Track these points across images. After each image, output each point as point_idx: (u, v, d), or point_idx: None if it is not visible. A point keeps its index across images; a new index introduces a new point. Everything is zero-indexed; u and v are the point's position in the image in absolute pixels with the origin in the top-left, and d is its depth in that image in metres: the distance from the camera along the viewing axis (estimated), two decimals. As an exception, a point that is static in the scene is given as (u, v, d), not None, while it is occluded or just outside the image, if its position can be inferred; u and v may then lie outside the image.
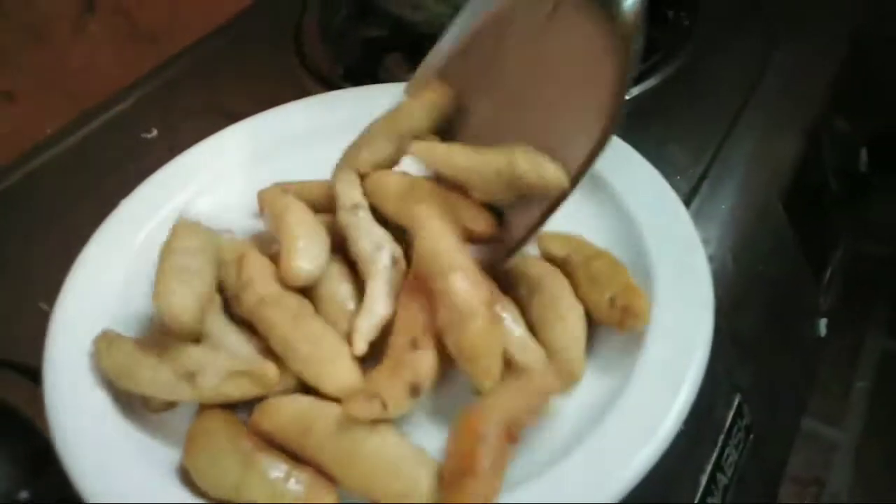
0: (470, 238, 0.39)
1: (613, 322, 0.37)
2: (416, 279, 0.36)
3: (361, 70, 0.63)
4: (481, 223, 0.40)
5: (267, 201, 0.44)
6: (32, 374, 0.42)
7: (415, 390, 0.34)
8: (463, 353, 0.35)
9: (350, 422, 0.33)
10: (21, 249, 0.53)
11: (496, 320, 0.36)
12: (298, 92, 0.56)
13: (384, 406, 0.33)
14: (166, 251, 0.39)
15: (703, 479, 0.42)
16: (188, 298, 0.36)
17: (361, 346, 0.36)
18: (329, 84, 0.62)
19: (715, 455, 0.42)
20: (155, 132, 0.61)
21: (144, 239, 0.45)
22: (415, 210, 0.38)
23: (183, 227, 0.42)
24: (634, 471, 0.32)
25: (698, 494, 0.41)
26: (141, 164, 0.51)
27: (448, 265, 0.36)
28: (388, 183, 0.41)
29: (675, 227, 0.42)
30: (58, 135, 0.64)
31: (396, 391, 0.33)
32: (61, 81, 0.68)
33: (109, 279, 0.42)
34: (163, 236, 0.44)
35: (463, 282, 0.35)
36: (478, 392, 0.35)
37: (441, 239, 0.36)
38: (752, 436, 0.46)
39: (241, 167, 0.51)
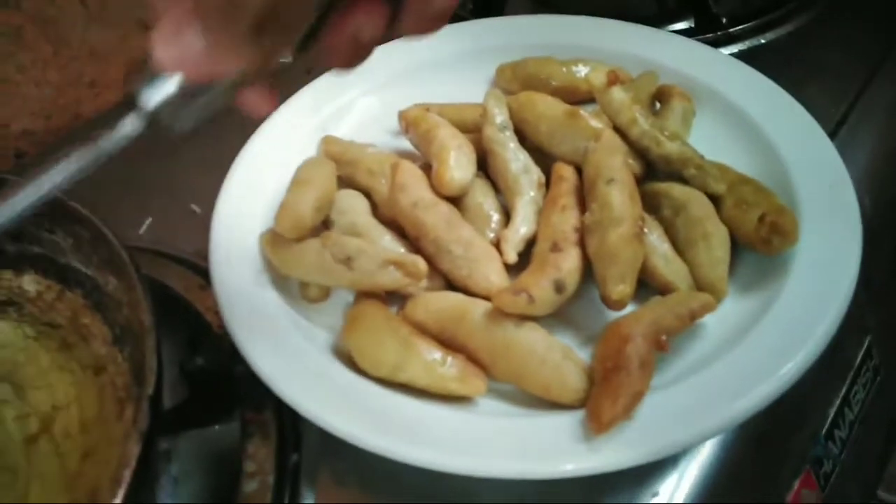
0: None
1: (761, 242, 0.37)
2: (578, 185, 0.39)
3: (488, 6, 0.63)
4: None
5: (412, 120, 0.45)
6: (191, 266, 0.46)
7: (559, 287, 0.36)
8: (603, 255, 0.36)
9: (501, 315, 0.35)
10: (167, 159, 0.56)
11: (640, 235, 0.37)
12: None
13: (531, 300, 0.34)
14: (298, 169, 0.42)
15: (832, 412, 0.42)
16: (304, 207, 0.39)
17: (513, 256, 0.38)
18: (456, 17, 0.63)
19: (844, 391, 0.43)
20: (290, 57, 0.63)
21: (291, 149, 0.47)
22: (589, 123, 0.40)
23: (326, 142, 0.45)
24: (771, 387, 0.33)
25: (826, 425, 0.41)
26: (279, 86, 0.53)
27: (613, 176, 0.38)
28: (539, 103, 0.42)
29: (823, 161, 0.41)
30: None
31: (543, 287, 0.35)
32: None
33: (263, 183, 0.45)
34: (307, 147, 0.47)
35: (621, 193, 0.37)
36: (611, 305, 0.36)
37: (613, 152, 0.38)
38: (879, 377, 0.46)
39: (377, 90, 0.52)
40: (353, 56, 0.24)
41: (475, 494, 0.34)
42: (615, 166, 0.38)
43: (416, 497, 0.34)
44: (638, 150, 0.41)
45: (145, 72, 0.23)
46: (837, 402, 0.42)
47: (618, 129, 0.41)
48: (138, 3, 0.68)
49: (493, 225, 0.41)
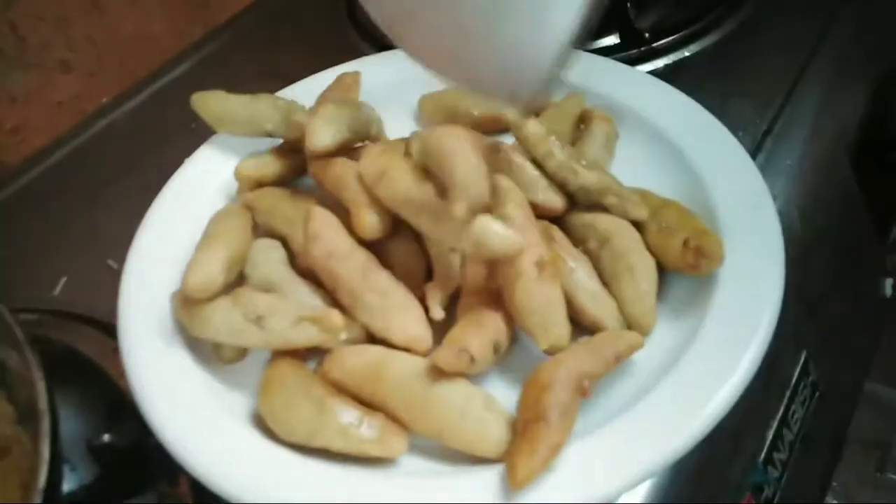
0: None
1: (687, 266, 0.37)
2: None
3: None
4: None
5: (322, 167, 0.43)
6: (104, 327, 0.44)
7: (497, 348, 0.35)
8: (515, 311, 0.36)
9: (422, 370, 0.34)
10: (86, 211, 0.55)
11: (549, 277, 0.36)
12: (353, 54, 0.56)
13: (472, 360, 0.33)
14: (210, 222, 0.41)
15: (770, 434, 0.41)
16: (213, 267, 0.37)
17: (439, 313, 0.37)
18: (383, 46, 0.62)
19: (781, 411, 0.42)
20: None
21: (209, 196, 0.46)
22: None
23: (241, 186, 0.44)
24: (704, 420, 0.32)
25: (765, 449, 0.41)
26: (200, 127, 0.52)
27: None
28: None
29: (743, 179, 0.41)
30: (117, 101, 0.66)
31: (483, 347, 0.34)
32: (115, 51, 0.69)
33: (177, 236, 0.43)
34: (223, 195, 0.46)
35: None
36: (548, 353, 0.35)
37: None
38: (817, 393, 0.45)
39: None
40: None
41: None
42: (506, 214, 0.37)
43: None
44: (557, 182, 0.40)
45: None
46: (775, 423, 0.42)
47: (535, 162, 0.40)
48: (60, 43, 0.66)
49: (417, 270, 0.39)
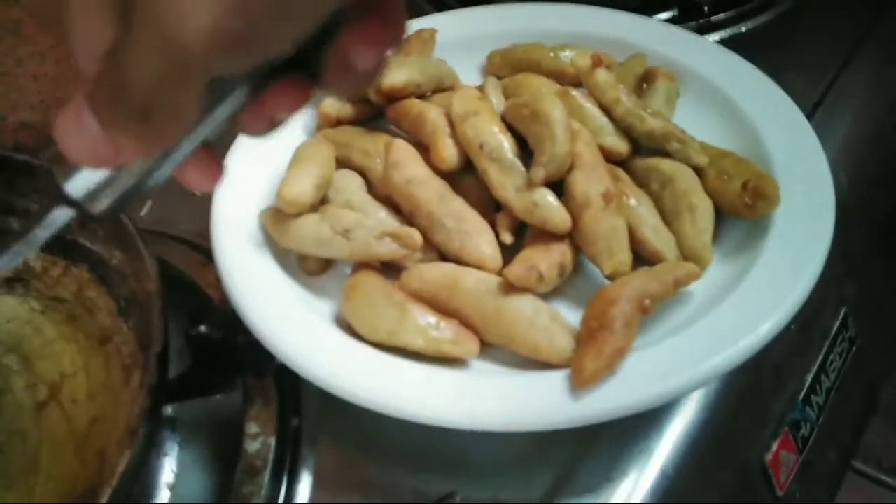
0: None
1: (744, 207, 0.39)
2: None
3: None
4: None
5: (402, 107, 0.47)
6: (191, 244, 0.47)
7: (562, 271, 0.38)
8: (581, 238, 0.38)
9: (493, 283, 0.37)
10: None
11: (614, 209, 0.39)
12: (414, 12, 0.59)
13: (540, 278, 0.36)
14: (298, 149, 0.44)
15: (809, 378, 0.44)
16: (305, 184, 0.40)
17: (509, 237, 0.40)
18: (442, 6, 0.64)
19: (821, 357, 0.44)
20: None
21: (290, 132, 0.49)
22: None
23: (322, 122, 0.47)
24: (750, 343, 0.34)
25: (804, 390, 0.43)
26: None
27: (573, 163, 0.39)
28: (534, 81, 0.45)
29: (797, 135, 0.43)
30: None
31: (550, 267, 0.37)
32: None
33: (263, 163, 0.46)
34: (302, 129, 0.49)
35: (584, 176, 0.39)
36: (610, 278, 0.38)
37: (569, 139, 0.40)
38: (854, 348, 0.47)
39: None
40: (269, 131, 0.24)
41: (468, 452, 0.36)
42: (576, 152, 0.40)
43: (410, 456, 0.36)
44: (623, 128, 0.43)
45: (64, 161, 0.21)
46: (814, 369, 0.44)
47: (603, 108, 0.43)
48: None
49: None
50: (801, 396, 0.43)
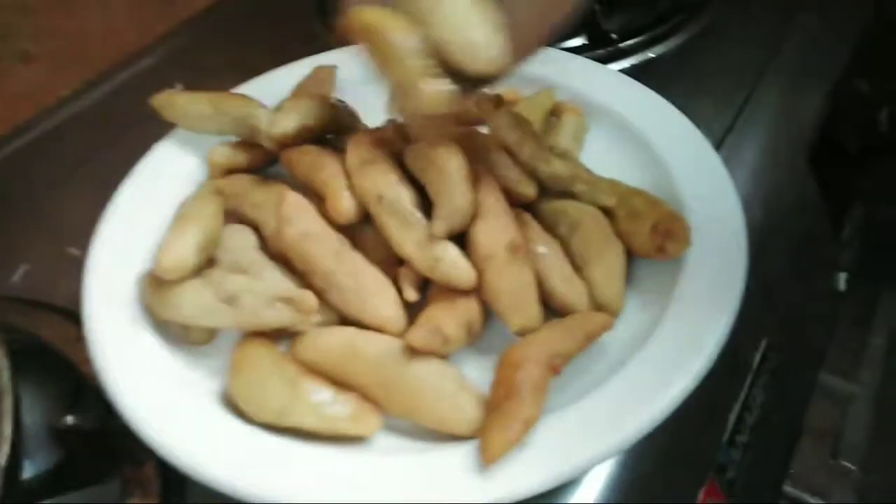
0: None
1: (655, 250, 0.37)
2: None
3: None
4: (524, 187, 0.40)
5: (294, 155, 0.43)
6: (65, 314, 0.43)
7: (470, 329, 0.35)
8: (487, 293, 0.36)
9: (395, 349, 0.34)
10: (45, 200, 0.53)
11: (521, 260, 0.36)
12: (319, 48, 0.56)
13: (446, 340, 0.33)
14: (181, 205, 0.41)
15: (732, 418, 0.42)
16: (186, 247, 0.37)
17: (413, 294, 0.37)
18: (349, 41, 0.62)
19: (743, 395, 0.43)
20: (180, 87, 0.61)
21: (176, 183, 0.45)
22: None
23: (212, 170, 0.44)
24: (670, 398, 0.33)
25: (727, 431, 0.42)
26: (163, 119, 0.51)
27: (477, 212, 0.37)
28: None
29: (707, 170, 0.42)
30: (78, 92, 0.64)
31: (456, 327, 0.34)
32: (78, 44, 0.68)
33: (143, 221, 0.42)
34: (190, 182, 0.45)
35: (485, 226, 0.37)
36: (519, 334, 0.35)
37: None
38: (776, 380, 0.46)
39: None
40: None
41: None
42: (479, 200, 0.37)
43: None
44: (529, 171, 0.41)
45: None
46: (737, 407, 0.43)
47: (507, 151, 0.41)
48: (24, 34, 0.64)
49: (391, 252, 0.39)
50: (725, 439, 0.42)
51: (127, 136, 0.55)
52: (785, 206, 0.52)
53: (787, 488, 0.52)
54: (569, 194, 0.40)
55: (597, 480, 0.35)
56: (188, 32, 0.71)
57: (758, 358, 0.45)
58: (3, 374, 0.30)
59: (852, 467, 0.57)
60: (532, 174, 0.41)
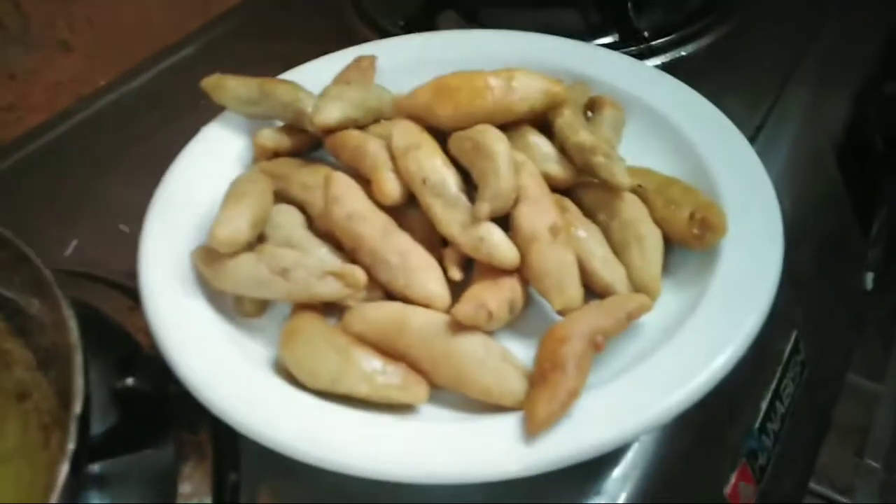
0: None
1: (692, 238, 0.39)
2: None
3: (419, 23, 0.64)
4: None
5: (340, 139, 0.45)
6: (118, 286, 0.44)
7: (513, 308, 0.36)
8: (530, 273, 0.37)
9: (441, 323, 0.35)
10: (94, 181, 0.55)
11: (562, 242, 0.37)
12: (355, 40, 0.58)
13: (490, 316, 0.34)
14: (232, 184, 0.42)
15: (764, 406, 0.43)
16: (240, 221, 0.38)
17: (458, 273, 0.38)
18: (384, 33, 0.63)
19: (774, 383, 0.44)
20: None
21: (224, 165, 0.46)
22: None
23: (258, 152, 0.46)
24: (705, 378, 0.34)
25: (759, 418, 0.42)
26: (207, 105, 0.52)
27: (519, 196, 0.38)
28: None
29: (742, 162, 0.43)
30: (121, 79, 0.66)
31: (500, 304, 0.35)
32: (115, 36, 0.70)
33: (194, 198, 0.44)
34: (237, 163, 0.47)
35: (529, 210, 0.38)
36: (561, 313, 0.36)
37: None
38: (806, 372, 0.47)
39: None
40: None
41: (418, 501, 0.34)
42: (521, 185, 0.39)
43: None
44: (562, 143, 0.42)
45: None
46: (769, 395, 0.44)
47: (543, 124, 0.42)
48: (63, 24, 0.66)
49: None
50: (757, 425, 0.42)
51: (168, 123, 0.57)
52: (814, 204, 0.53)
53: (813, 485, 0.53)
54: (589, 168, 0.41)
55: (635, 456, 0.36)
56: (224, 24, 0.72)
57: (788, 349, 0.46)
58: (73, 331, 0.32)
59: (877, 466, 0.57)
60: (563, 144, 0.42)
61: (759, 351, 0.37)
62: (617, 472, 0.35)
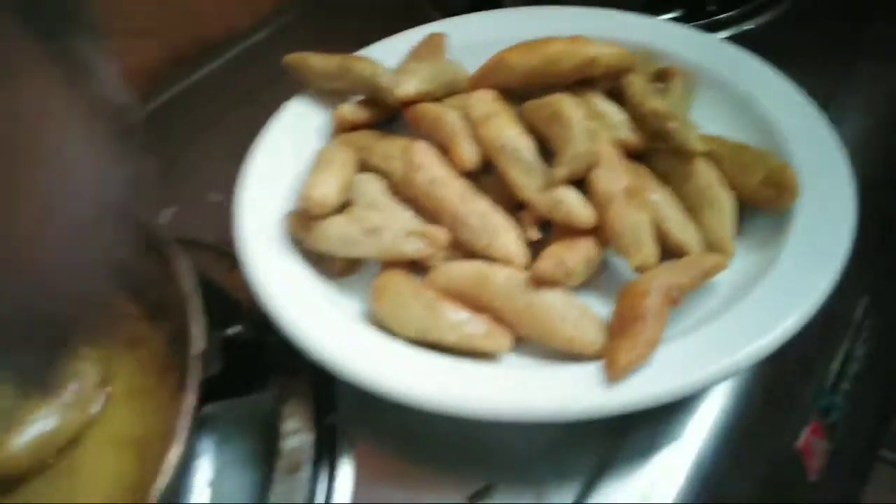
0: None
1: (766, 200, 0.40)
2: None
3: (484, 1, 0.66)
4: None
5: (419, 111, 0.47)
6: (216, 249, 0.48)
7: (589, 264, 0.38)
8: (608, 233, 0.39)
9: (522, 280, 0.37)
10: (183, 152, 0.58)
11: (639, 204, 0.39)
12: (422, 17, 0.59)
13: (569, 273, 0.36)
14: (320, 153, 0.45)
15: (836, 365, 0.44)
16: (330, 186, 0.41)
17: (535, 234, 0.40)
18: (450, 12, 0.65)
19: (846, 345, 0.45)
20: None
21: (306, 137, 0.49)
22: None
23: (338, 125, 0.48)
24: (779, 334, 0.35)
25: (831, 377, 0.43)
26: (283, 86, 0.54)
27: (594, 161, 0.40)
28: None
29: (815, 130, 0.44)
30: (198, 63, 0.70)
31: (578, 262, 0.37)
32: (187, 20, 0.73)
33: (281, 167, 0.47)
34: (319, 136, 0.49)
35: (603, 173, 0.40)
36: (637, 270, 0.38)
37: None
38: (877, 336, 0.48)
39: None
40: None
41: (504, 444, 0.36)
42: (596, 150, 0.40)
43: (447, 449, 0.36)
44: (634, 110, 0.43)
45: None
46: (840, 356, 0.44)
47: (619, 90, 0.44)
48: (136, 10, 0.69)
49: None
50: (829, 384, 0.43)
51: (246, 102, 0.61)
52: (882, 174, 0.53)
53: (885, 451, 0.53)
54: (662, 134, 0.42)
55: (711, 408, 0.37)
56: (293, 10, 0.75)
57: (860, 313, 0.46)
58: (190, 281, 0.35)
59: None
60: (636, 111, 0.43)
61: (830, 312, 0.38)
62: (691, 421, 0.37)
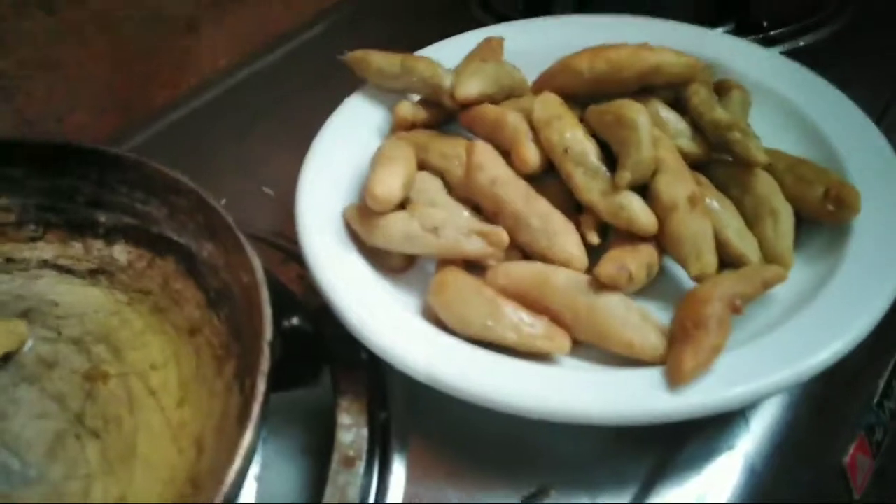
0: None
1: (825, 214, 0.40)
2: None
3: (536, 8, 0.66)
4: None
5: (478, 113, 0.48)
6: (269, 243, 0.48)
7: (650, 271, 0.39)
8: (668, 240, 0.39)
9: (583, 282, 0.38)
10: (235, 146, 0.59)
11: (701, 212, 0.39)
12: (473, 25, 0.60)
13: (630, 278, 0.37)
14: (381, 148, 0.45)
15: (882, 382, 0.44)
16: (393, 182, 0.41)
17: (595, 238, 0.41)
18: (501, 17, 0.66)
19: (893, 362, 0.45)
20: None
21: (363, 136, 0.50)
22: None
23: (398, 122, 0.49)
24: (834, 350, 0.35)
25: (877, 394, 0.43)
26: (335, 83, 0.55)
27: (657, 167, 0.40)
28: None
29: (871, 145, 0.44)
30: (252, 57, 0.70)
31: (639, 267, 0.38)
32: (239, 16, 0.74)
33: (340, 162, 0.47)
34: (377, 134, 0.50)
35: (669, 180, 0.40)
36: (696, 279, 0.38)
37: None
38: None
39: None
40: None
41: (559, 447, 0.36)
42: (659, 157, 0.41)
43: (501, 449, 0.37)
44: (696, 120, 0.44)
45: None
46: (887, 373, 0.45)
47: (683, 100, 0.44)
48: (188, 3, 0.70)
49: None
50: (876, 401, 0.44)
51: (297, 99, 0.61)
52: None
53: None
54: (725, 144, 0.42)
55: (763, 421, 0.38)
56: (343, 10, 0.76)
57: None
58: (258, 270, 0.35)
59: None
60: (698, 121, 0.44)
61: (878, 328, 0.38)
62: (746, 431, 0.37)
